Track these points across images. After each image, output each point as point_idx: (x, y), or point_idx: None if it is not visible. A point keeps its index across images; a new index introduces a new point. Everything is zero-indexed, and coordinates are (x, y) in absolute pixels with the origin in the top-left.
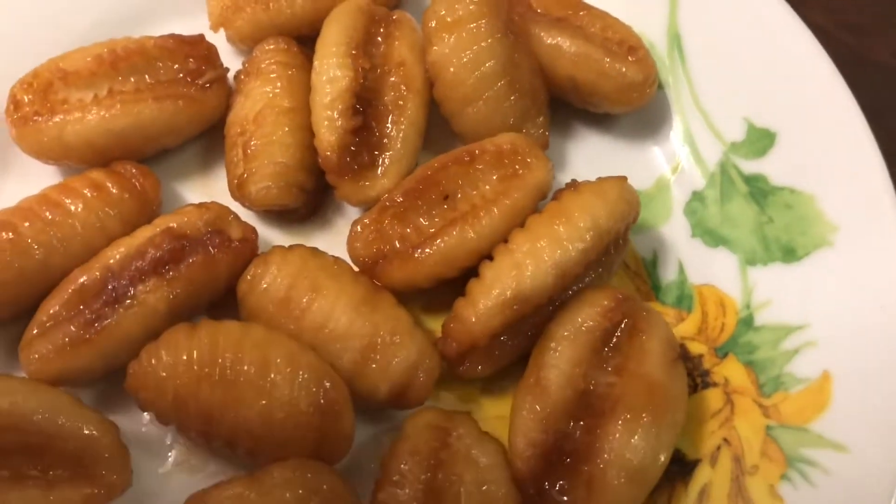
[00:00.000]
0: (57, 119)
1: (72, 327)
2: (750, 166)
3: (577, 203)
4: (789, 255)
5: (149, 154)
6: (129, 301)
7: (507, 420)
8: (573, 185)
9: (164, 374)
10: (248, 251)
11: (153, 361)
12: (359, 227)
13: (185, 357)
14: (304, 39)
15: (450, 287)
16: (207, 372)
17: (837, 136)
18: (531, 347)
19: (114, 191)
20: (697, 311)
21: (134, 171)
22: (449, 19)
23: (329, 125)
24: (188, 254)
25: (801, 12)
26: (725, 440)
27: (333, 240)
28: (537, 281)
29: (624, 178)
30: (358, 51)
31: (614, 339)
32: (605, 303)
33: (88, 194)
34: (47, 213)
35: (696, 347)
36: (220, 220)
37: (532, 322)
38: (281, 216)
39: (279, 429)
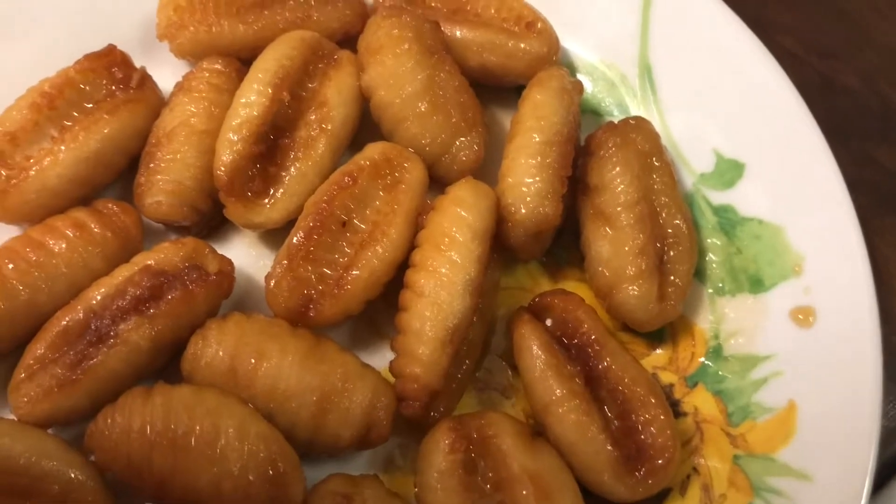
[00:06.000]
0: (33, 172)
1: (58, 369)
2: (719, 197)
3: (448, 220)
4: (757, 285)
5: (124, 167)
6: (112, 340)
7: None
8: (430, 206)
9: (119, 439)
10: (226, 283)
11: (108, 422)
12: (272, 283)
13: (138, 424)
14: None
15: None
16: (160, 440)
17: (804, 167)
18: (474, 364)
19: (96, 230)
20: (668, 341)
21: (115, 208)
22: (374, 46)
23: (228, 146)
24: (167, 290)
25: (771, 38)
26: (695, 469)
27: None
28: (457, 307)
29: (469, 179)
30: (284, 81)
31: (476, 462)
32: (446, 440)
33: (71, 234)
34: (31, 255)
35: (667, 377)
36: (196, 254)
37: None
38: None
39: (228, 497)
